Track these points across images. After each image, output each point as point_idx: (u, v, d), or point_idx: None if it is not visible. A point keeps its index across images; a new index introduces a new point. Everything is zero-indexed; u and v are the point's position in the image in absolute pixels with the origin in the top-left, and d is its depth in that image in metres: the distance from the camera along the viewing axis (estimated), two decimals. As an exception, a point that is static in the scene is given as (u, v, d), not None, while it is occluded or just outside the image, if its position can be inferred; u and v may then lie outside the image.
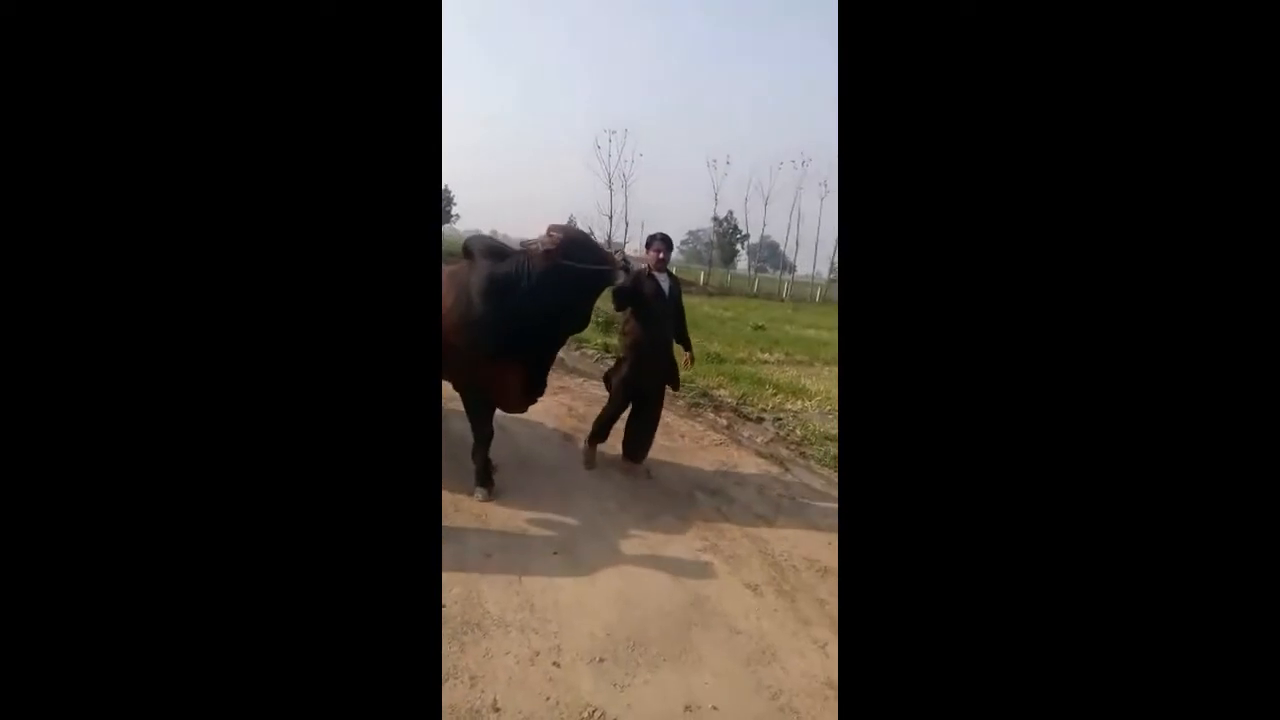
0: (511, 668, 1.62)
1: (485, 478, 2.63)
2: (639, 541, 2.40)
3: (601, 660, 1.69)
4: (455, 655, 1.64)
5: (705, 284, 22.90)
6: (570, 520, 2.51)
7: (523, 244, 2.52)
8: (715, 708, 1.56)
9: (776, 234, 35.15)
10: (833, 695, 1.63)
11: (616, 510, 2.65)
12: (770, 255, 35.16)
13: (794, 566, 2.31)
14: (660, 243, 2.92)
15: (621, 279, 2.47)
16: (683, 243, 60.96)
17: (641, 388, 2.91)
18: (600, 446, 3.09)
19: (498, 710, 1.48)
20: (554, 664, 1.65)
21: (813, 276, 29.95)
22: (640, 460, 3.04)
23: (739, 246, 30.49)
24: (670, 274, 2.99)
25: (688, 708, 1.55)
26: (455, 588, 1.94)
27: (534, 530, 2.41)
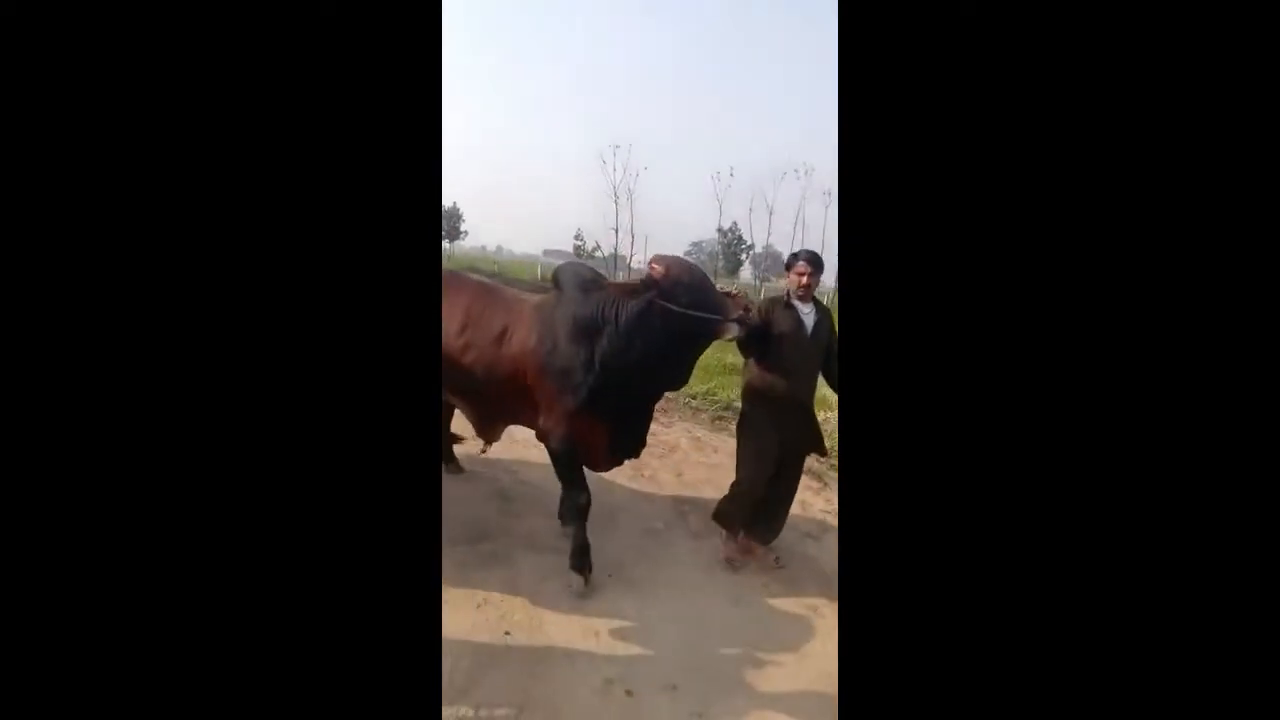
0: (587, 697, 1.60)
1: (582, 559, 2.12)
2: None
3: (675, 687, 1.67)
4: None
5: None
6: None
7: (632, 276, 2.26)
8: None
9: (779, 244, 35.25)
10: None
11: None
12: (774, 264, 35.24)
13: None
14: (806, 263, 2.23)
15: (734, 333, 1.91)
16: (685, 253, 61.30)
17: (780, 455, 2.25)
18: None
19: (579, 742, 1.45)
20: (627, 692, 1.63)
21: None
22: (768, 541, 2.40)
23: (743, 256, 30.60)
24: (818, 303, 2.30)
25: (769, 736, 1.53)
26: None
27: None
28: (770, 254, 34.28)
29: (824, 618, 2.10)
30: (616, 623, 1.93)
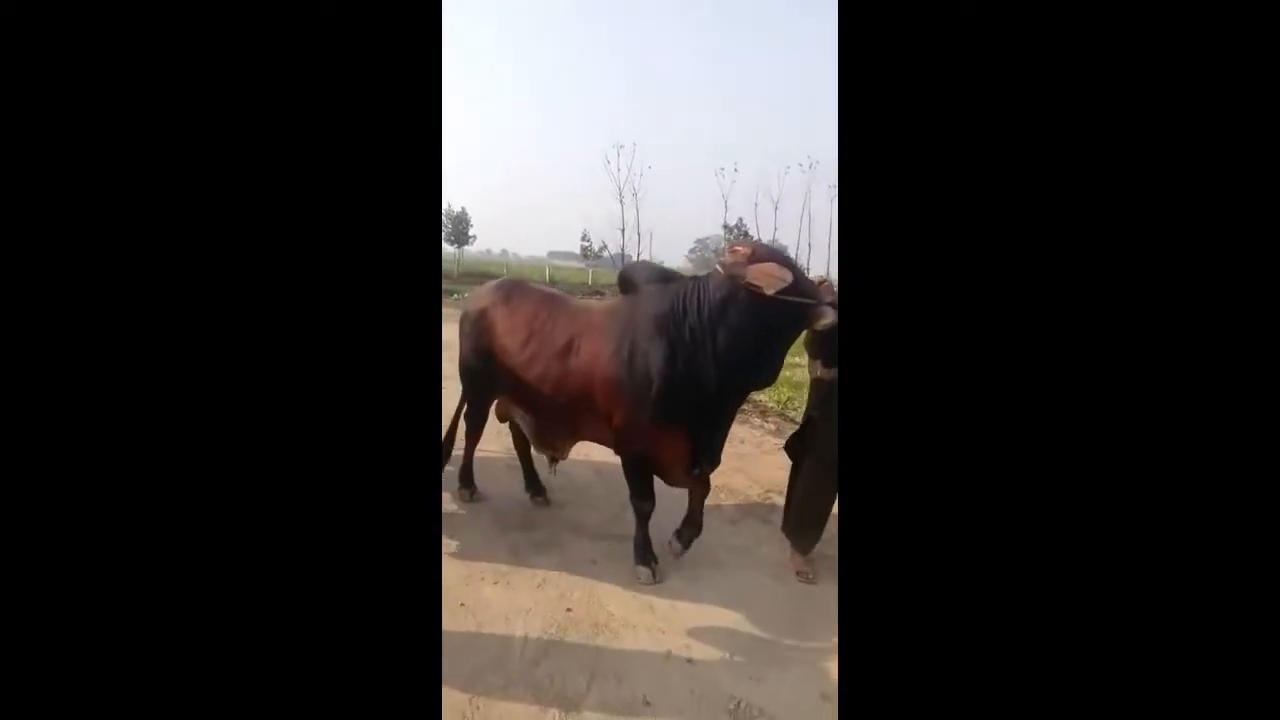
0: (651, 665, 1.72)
1: (646, 553, 2.18)
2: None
3: (731, 656, 1.78)
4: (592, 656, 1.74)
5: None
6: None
7: (718, 266, 1.91)
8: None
9: (785, 237, 35.25)
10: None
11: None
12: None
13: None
14: None
15: (829, 319, 1.76)
16: (690, 250, 61.24)
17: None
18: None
19: (648, 704, 1.57)
20: (688, 660, 1.75)
21: (827, 277, 29.89)
22: (808, 551, 2.28)
23: (750, 252, 30.71)
24: None
25: (824, 695, 1.64)
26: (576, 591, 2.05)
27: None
28: (778, 248, 34.25)
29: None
30: (669, 600, 2.04)
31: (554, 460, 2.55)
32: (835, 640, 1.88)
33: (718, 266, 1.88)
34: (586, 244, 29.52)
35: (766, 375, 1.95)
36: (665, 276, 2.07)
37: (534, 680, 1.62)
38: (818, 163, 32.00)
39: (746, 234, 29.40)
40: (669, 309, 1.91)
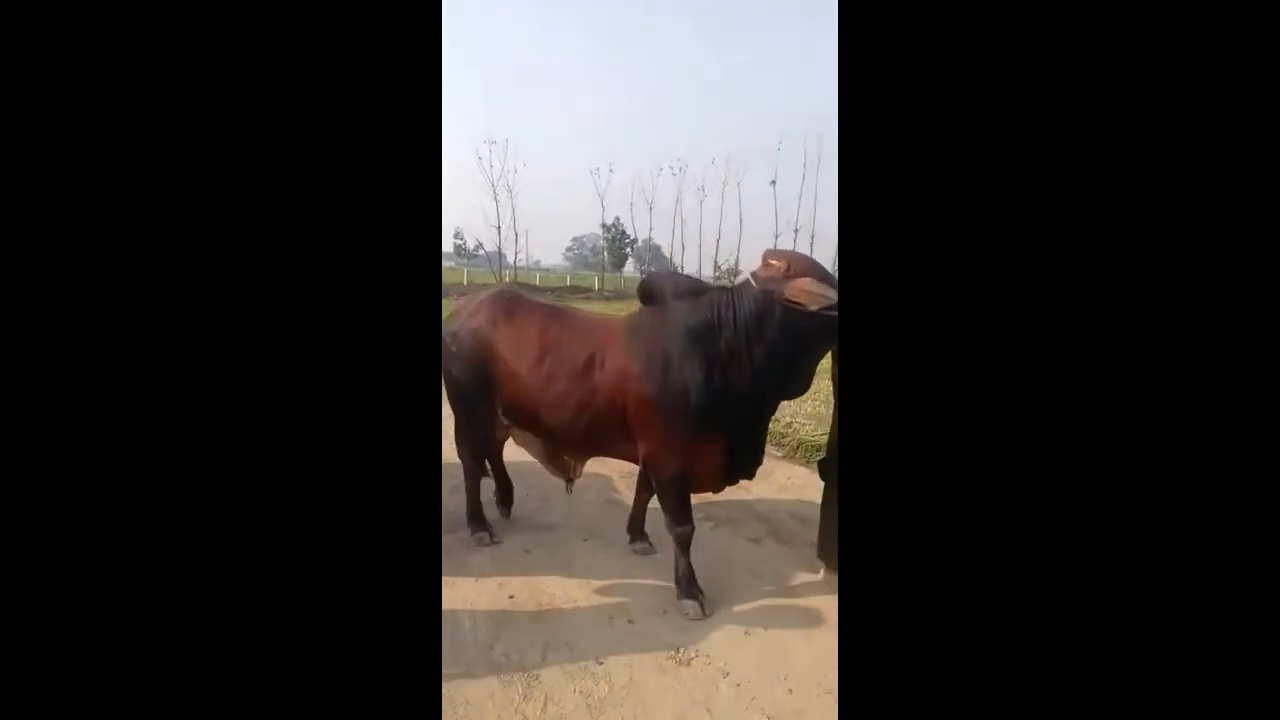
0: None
1: (692, 585, 2.06)
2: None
3: (665, 612, 2.03)
4: (544, 631, 1.88)
5: (601, 289, 23.44)
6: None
7: (751, 278, 1.87)
8: (765, 628, 1.97)
9: (660, 238, 36.71)
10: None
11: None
12: (654, 258, 36.60)
13: (781, 519, 2.80)
14: None
15: None
16: (567, 249, 61.12)
17: None
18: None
19: (600, 663, 1.76)
20: (629, 621, 1.96)
21: (699, 276, 31.56)
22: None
23: (628, 250, 31.44)
24: None
25: (746, 631, 1.95)
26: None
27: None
28: (652, 248, 35.55)
29: (771, 545, 2.57)
30: (605, 578, 2.23)
31: (570, 480, 2.39)
32: (755, 587, 2.21)
33: (750, 279, 1.86)
34: (460, 242, 28.31)
35: (799, 387, 1.96)
36: (695, 289, 1.97)
37: (491, 660, 1.73)
38: (686, 166, 33.75)
39: (624, 233, 30.12)
40: (704, 322, 1.86)
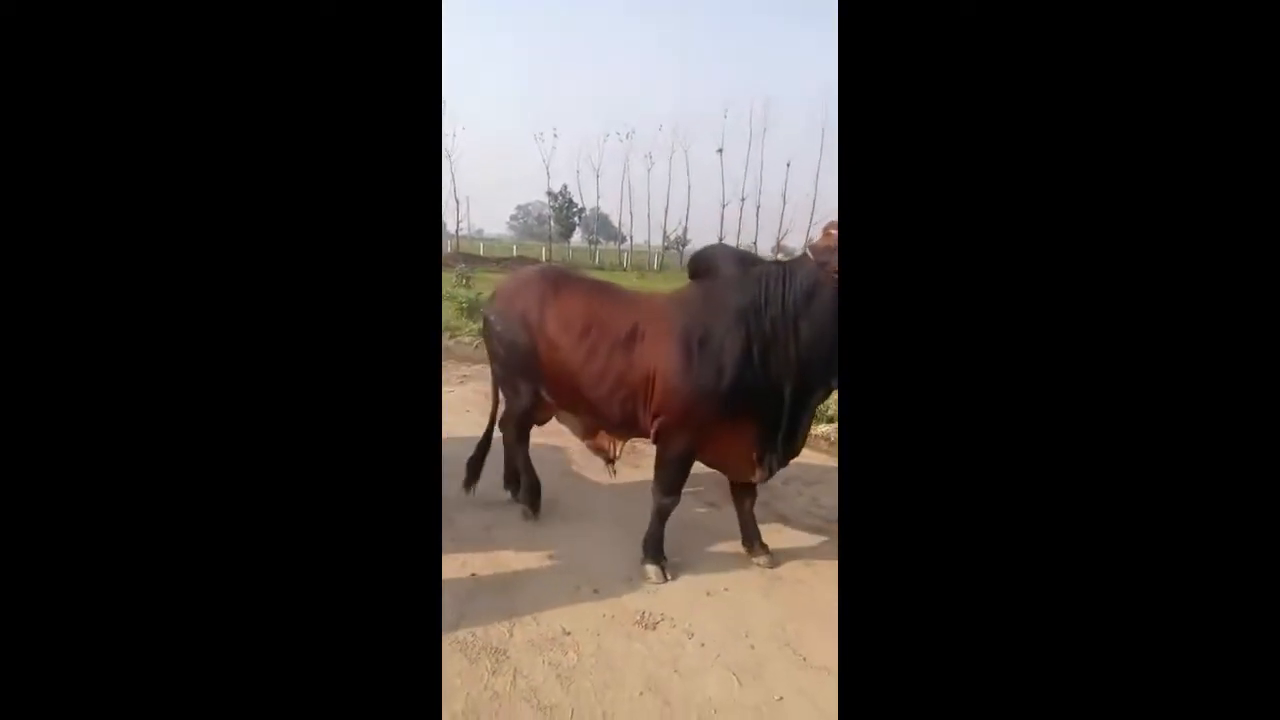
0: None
1: (658, 552, 2.08)
2: (611, 491, 2.75)
3: (629, 579, 2.06)
4: (509, 606, 1.88)
5: (549, 259, 22.98)
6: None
7: (808, 251, 1.79)
8: (726, 589, 2.04)
9: (608, 206, 36.19)
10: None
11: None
12: (602, 227, 36.13)
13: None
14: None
15: None
16: (511, 217, 59.34)
17: None
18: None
19: (568, 633, 1.78)
20: (594, 590, 1.99)
21: (648, 245, 31.53)
22: None
23: (575, 219, 30.83)
24: None
25: (709, 592, 2.01)
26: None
27: None
28: (599, 217, 35.04)
29: (721, 510, 2.65)
30: (566, 551, 2.24)
31: (610, 461, 2.33)
32: (715, 550, 2.27)
33: (808, 252, 1.77)
34: (397, 211, 26.89)
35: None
36: (746, 261, 1.90)
37: (458, 639, 1.71)
38: (634, 132, 33.12)
39: (571, 202, 29.47)
40: (749, 297, 1.80)
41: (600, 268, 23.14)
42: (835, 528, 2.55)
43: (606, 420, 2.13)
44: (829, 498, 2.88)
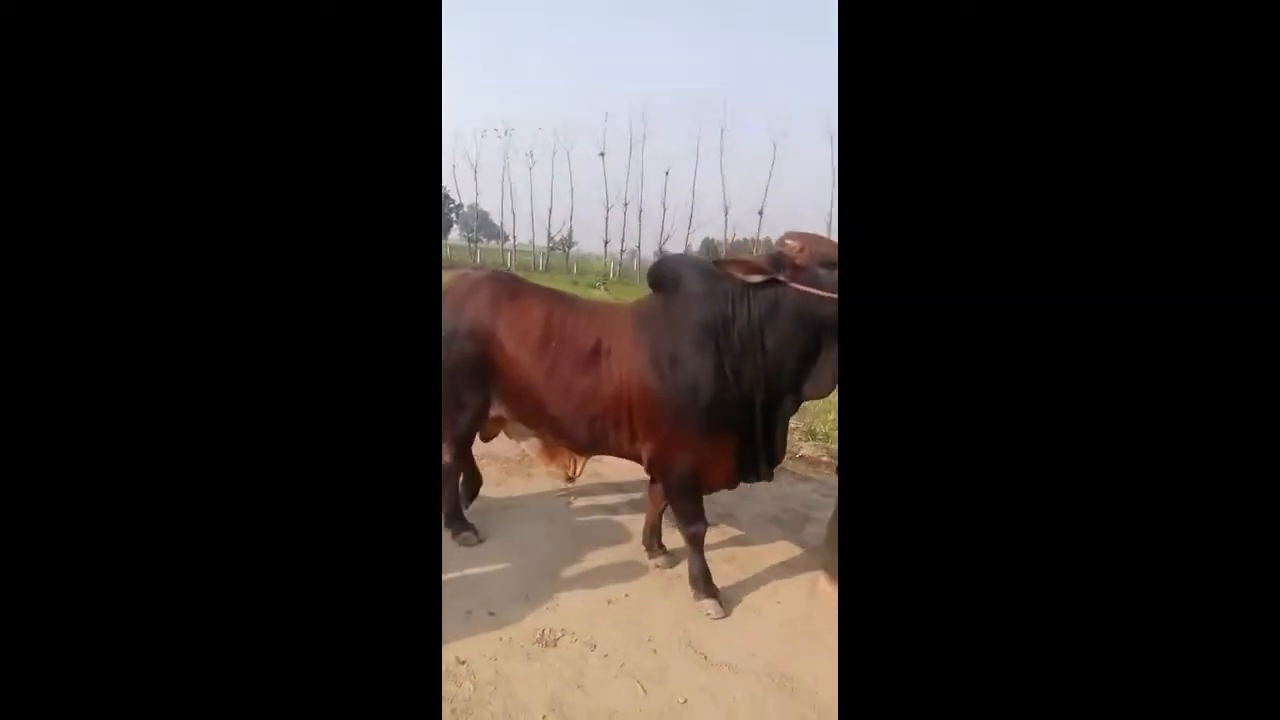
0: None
1: (708, 583, 1.98)
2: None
3: (527, 596, 1.97)
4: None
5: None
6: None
7: (771, 257, 1.73)
8: (627, 595, 2.03)
9: (487, 203, 34.81)
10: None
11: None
12: (483, 224, 34.74)
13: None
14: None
15: None
16: (381, 212, 54.70)
17: None
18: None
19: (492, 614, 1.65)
20: (489, 614, 1.87)
21: (533, 245, 30.85)
22: None
23: (453, 216, 29.29)
24: None
25: (609, 600, 1.99)
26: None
27: None
28: (478, 214, 33.64)
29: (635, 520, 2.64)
30: (458, 575, 2.09)
31: (570, 479, 2.24)
32: (613, 556, 2.25)
33: (768, 263, 1.71)
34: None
35: (822, 385, 1.75)
36: (709, 274, 1.81)
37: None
38: (512, 129, 32.17)
39: (447, 196, 27.94)
40: (715, 312, 1.74)
41: (481, 267, 22.22)
42: (724, 522, 2.66)
43: (572, 440, 2.02)
44: (723, 495, 3.00)
